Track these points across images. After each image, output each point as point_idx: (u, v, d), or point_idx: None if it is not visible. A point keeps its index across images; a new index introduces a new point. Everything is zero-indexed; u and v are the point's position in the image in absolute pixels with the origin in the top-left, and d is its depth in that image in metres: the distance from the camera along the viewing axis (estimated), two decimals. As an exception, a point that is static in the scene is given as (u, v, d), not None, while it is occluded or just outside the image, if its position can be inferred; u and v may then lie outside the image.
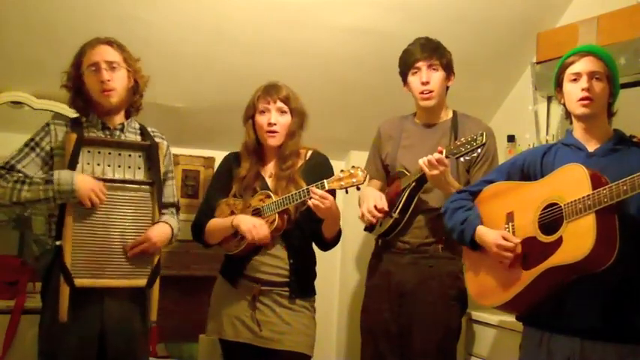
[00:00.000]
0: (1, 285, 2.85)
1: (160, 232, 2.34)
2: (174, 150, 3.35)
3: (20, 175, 2.21)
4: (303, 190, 2.38)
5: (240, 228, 2.41)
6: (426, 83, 2.62)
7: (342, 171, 2.36)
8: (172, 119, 3.20)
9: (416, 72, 2.65)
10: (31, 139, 2.28)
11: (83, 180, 2.19)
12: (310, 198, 2.34)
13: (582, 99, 2.04)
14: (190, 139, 3.40)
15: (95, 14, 2.72)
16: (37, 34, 2.76)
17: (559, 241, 1.93)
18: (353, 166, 2.36)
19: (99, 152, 2.29)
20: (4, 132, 2.90)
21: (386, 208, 2.60)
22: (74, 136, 2.24)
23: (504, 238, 2.06)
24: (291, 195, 2.39)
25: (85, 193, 2.18)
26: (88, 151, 2.28)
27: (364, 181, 2.35)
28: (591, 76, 2.04)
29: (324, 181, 2.35)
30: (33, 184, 2.18)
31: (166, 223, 2.39)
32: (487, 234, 2.12)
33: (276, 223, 2.43)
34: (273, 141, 2.52)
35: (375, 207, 2.60)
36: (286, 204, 2.40)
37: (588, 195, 1.86)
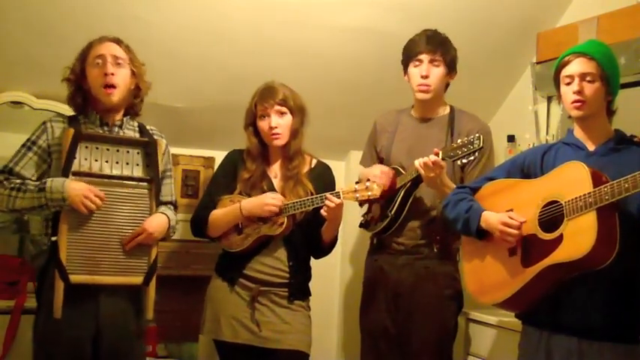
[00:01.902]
0: (1, 285, 2.85)
1: (157, 222, 2.31)
2: (174, 150, 3.36)
3: (17, 181, 2.19)
4: (318, 197, 2.40)
5: (255, 213, 2.41)
6: (425, 77, 2.61)
7: (357, 183, 2.39)
8: (172, 119, 3.19)
9: (418, 64, 2.63)
10: (28, 139, 2.27)
11: (74, 187, 2.15)
12: (323, 205, 2.37)
13: (574, 102, 2.04)
14: (190, 139, 3.40)
15: (95, 14, 2.72)
16: (37, 34, 2.76)
17: (559, 239, 1.93)
18: (369, 180, 2.40)
19: (97, 148, 2.27)
20: (4, 132, 2.90)
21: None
22: (71, 131, 2.22)
23: (510, 217, 2.06)
24: (305, 200, 2.41)
25: (77, 199, 2.15)
26: (86, 147, 2.25)
27: (380, 195, 2.38)
28: (582, 78, 2.03)
29: (340, 191, 2.38)
30: (27, 192, 2.16)
31: (163, 213, 2.36)
32: (492, 216, 2.12)
33: (284, 225, 2.43)
34: (279, 142, 2.52)
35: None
36: (299, 208, 2.41)
37: (589, 192, 1.86)
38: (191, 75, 3.10)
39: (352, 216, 2.93)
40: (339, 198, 2.37)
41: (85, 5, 2.71)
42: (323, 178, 2.61)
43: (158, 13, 2.81)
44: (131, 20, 2.78)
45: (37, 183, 2.18)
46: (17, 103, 2.98)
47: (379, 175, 2.55)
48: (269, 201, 2.41)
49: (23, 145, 2.27)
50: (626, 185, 1.80)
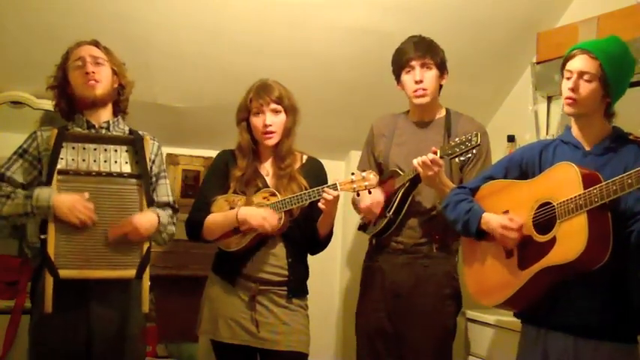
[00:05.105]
0: (1, 285, 2.85)
1: (144, 218, 2.27)
2: (175, 150, 3.37)
3: (8, 189, 2.20)
4: (314, 190, 2.39)
5: (250, 223, 2.39)
6: (420, 82, 2.61)
7: (353, 174, 2.39)
8: (172, 119, 3.20)
9: (409, 71, 2.64)
10: (20, 147, 2.29)
11: (62, 199, 2.15)
12: (320, 198, 2.36)
13: (566, 98, 2.03)
14: (190, 139, 3.41)
15: (95, 14, 2.73)
16: (37, 34, 2.76)
17: (553, 241, 1.94)
18: (364, 170, 2.41)
19: (84, 148, 2.27)
20: (4, 132, 2.90)
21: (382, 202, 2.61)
22: (55, 131, 2.24)
23: (510, 220, 2.06)
24: (302, 194, 2.40)
25: (67, 212, 2.15)
26: (73, 147, 2.25)
27: (376, 185, 2.38)
28: (580, 75, 2.00)
29: (337, 182, 2.38)
30: (15, 199, 2.17)
31: (154, 212, 2.33)
32: (493, 217, 2.12)
33: (282, 221, 2.42)
34: (271, 141, 2.52)
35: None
36: (295, 203, 2.40)
37: (579, 195, 1.87)
38: (191, 75, 3.11)
39: (352, 217, 2.93)
40: (337, 190, 2.37)
41: (84, 5, 2.72)
42: (315, 173, 2.59)
43: (158, 13, 2.81)
44: (131, 20, 2.78)
45: (25, 192, 2.18)
46: (17, 103, 2.99)
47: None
48: (266, 216, 2.38)
49: (15, 153, 2.28)
50: (614, 187, 1.79)
